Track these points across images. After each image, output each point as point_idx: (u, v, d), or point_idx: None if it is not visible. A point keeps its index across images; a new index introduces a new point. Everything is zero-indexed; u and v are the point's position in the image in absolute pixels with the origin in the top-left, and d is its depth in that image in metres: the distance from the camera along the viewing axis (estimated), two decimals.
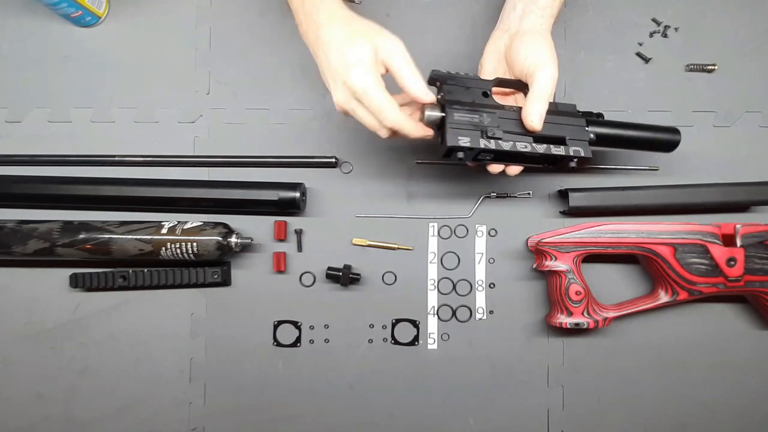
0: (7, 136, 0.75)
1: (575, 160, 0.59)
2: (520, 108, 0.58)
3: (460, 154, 0.56)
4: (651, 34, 0.76)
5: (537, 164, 0.61)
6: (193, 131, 0.75)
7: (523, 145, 0.57)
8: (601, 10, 0.76)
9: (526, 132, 0.58)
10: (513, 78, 0.61)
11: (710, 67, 0.75)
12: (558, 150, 0.58)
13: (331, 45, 0.53)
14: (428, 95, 0.54)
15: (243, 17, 0.76)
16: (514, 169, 0.62)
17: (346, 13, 0.55)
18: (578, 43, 0.76)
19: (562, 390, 0.74)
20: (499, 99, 0.61)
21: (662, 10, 0.76)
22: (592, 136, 0.60)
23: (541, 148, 0.58)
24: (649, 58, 0.75)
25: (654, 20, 0.76)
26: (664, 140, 0.65)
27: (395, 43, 0.53)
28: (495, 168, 0.62)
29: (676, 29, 0.76)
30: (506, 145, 0.57)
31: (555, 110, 0.60)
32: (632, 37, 0.76)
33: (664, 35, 0.76)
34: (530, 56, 0.58)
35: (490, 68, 0.63)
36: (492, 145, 0.56)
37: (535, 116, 0.56)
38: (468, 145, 0.55)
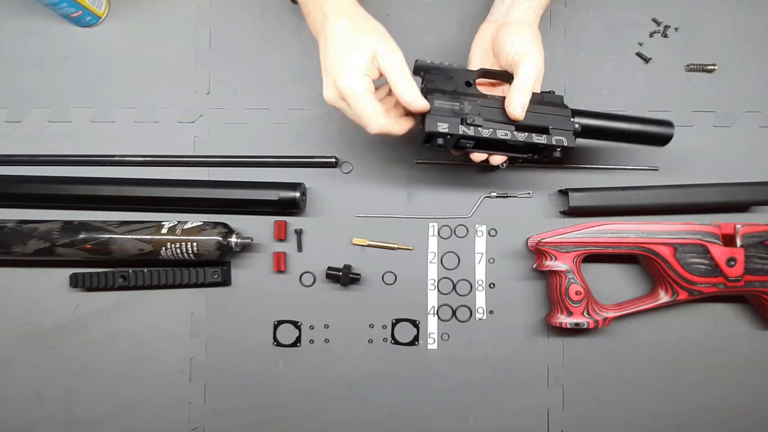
0: (7, 136, 0.75)
1: (559, 149, 0.59)
2: (503, 97, 0.58)
3: (440, 140, 0.57)
4: (651, 34, 0.76)
5: (521, 154, 0.61)
6: (193, 131, 0.75)
7: (504, 133, 0.58)
8: (601, 10, 0.76)
9: (509, 121, 0.58)
10: (498, 69, 0.61)
11: (710, 67, 0.75)
12: (540, 139, 0.58)
13: (332, 42, 0.53)
14: (422, 103, 0.54)
15: (243, 17, 0.76)
16: (498, 159, 0.62)
17: (354, 9, 0.55)
18: (578, 43, 0.76)
19: (562, 390, 0.74)
20: (486, 90, 0.61)
21: (662, 10, 0.76)
22: (576, 126, 0.60)
23: (522, 136, 0.58)
24: (649, 58, 0.75)
25: (654, 20, 0.76)
26: (656, 133, 0.64)
27: (394, 51, 0.53)
28: (478, 156, 0.61)
29: (676, 29, 0.76)
30: (486, 132, 0.57)
31: (540, 100, 0.60)
32: (632, 37, 0.76)
33: (664, 35, 0.76)
34: (515, 46, 0.58)
35: (477, 60, 0.63)
36: (471, 131, 0.57)
37: (517, 105, 0.57)
38: (446, 131, 0.56)
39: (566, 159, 0.66)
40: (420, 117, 0.57)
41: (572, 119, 0.60)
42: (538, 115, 0.59)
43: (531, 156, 0.62)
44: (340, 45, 0.53)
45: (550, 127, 0.59)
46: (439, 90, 0.58)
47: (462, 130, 0.56)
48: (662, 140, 0.64)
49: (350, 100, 0.53)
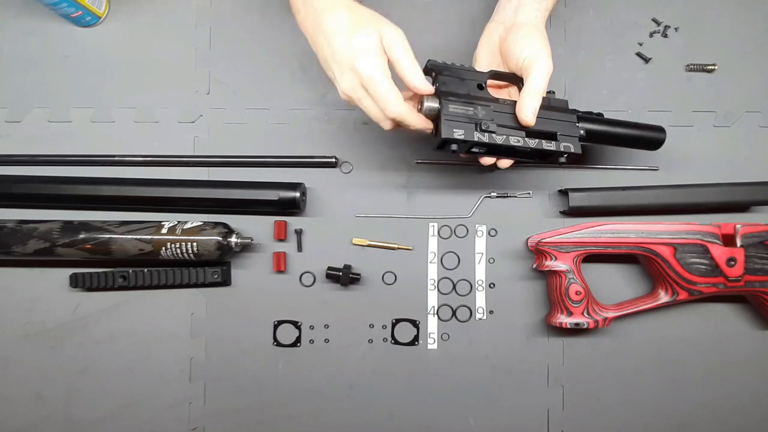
0: (7, 136, 0.75)
1: (565, 155, 0.60)
2: (514, 102, 0.58)
3: (454, 147, 0.57)
4: (651, 34, 0.76)
5: (528, 158, 0.62)
6: (193, 131, 0.75)
7: (516, 140, 0.58)
8: (601, 10, 0.76)
9: (519, 126, 0.58)
10: (507, 71, 0.61)
11: (710, 67, 0.75)
12: (549, 145, 0.59)
13: (336, 32, 0.52)
14: (426, 86, 0.54)
15: (243, 17, 0.76)
16: (505, 162, 0.62)
17: (347, 1, 0.54)
18: (578, 43, 0.76)
19: (562, 390, 0.74)
20: (492, 92, 0.61)
21: (662, 10, 0.76)
22: (582, 132, 0.61)
23: (533, 143, 0.58)
24: (649, 58, 0.75)
25: (654, 20, 0.76)
26: (649, 138, 0.66)
27: (397, 33, 0.53)
28: (487, 160, 0.62)
29: (676, 29, 0.76)
30: (499, 139, 0.57)
31: (547, 105, 0.60)
32: (632, 37, 0.76)
33: (664, 35, 0.76)
34: (526, 49, 0.58)
35: (484, 61, 0.63)
36: (485, 138, 0.57)
37: (529, 111, 0.57)
38: (462, 137, 0.55)
39: (568, 161, 0.67)
40: (434, 121, 0.57)
41: (577, 125, 0.61)
42: (546, 121, 0.59)
43: (537, 161, 0.62)
44: (346, 33, 0.51)
45: (558, 133, 0.59)
46: (453, 93, 0.57)
47: (477, 136, 0.56)
48: (655, 145, 0.67)
49: (369, 83, 0.51)
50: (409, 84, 0.53)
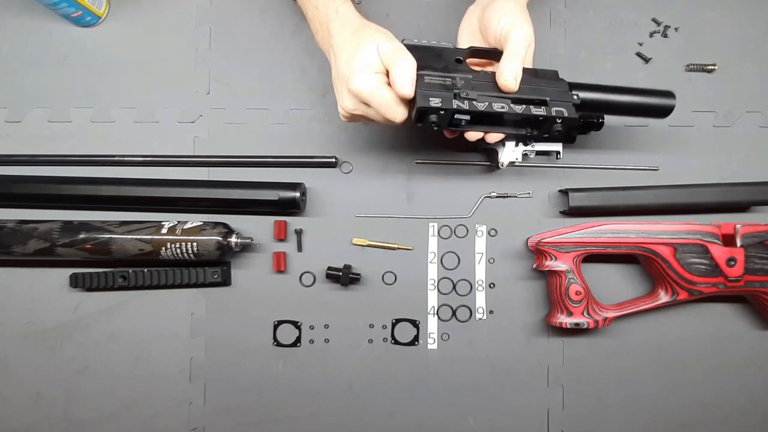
0: (7, 136, 0.75)
1: (560, 121, 0.56)
2: (494, 72, 0.57)
3: (433, 117, 0.54)
4: (651, 34, 0.76)
5: (519, 130, 0.59)
6: (193, 131, 0.75)
7: (501, 106, 0.55)
8: (601, 10, 0.76)
9: (504, 95, 0.56)
10: (488, 47, 0.59)
11: (710, 67, 0.75)
12: (539, 110, 0.56)
13: (340, 53, 0.54)
14: (408, 92, 0.52)
15: (243, 17, 0.76)
16: (494, 137, 0.60)
17: (357, 21, 0.56)
18: (578, 43, 0.76)
19: (562, 390, 0.74)
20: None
21: (662, 10, 0.76)
22: (575, 98, 0.58)
23: (519, 108, 0.56)
24: (649, 58, 0.75)
25: (654, 20, 0.76)
26: (656, 105, 0.62)
27: (395, 42, 0.54)
28: (472, 135, 0.59)
29: (676, 29, 0.76)
30: (481, 106, 0.55)
31: (534, 74, 0.58)
32: (632, 37, 0.76)
33: (664, 35, 0.76)
34: (503, 20, 0.56)
35: (465, 45, 0.62)
36: (465, 105, 0.54)
37: (509, 75, 0.55)
38: (439, 105, 0.53)
39: (568, 140, 0.60)
40: (412, 98, 0.54)
41: (571, 92, 0.58)
42: (534, 89, 0.57)
43: (530, 132, 0.60)
44: (348, 53, 0.53)
45: (548, 99, 0.57)
46: (428, 66, 0.55)
47: (456, 104, 0.54)
48: (663, 112, 0.63)
49: (369, 97, 0.52)
50: (395, 88, 0.52)
